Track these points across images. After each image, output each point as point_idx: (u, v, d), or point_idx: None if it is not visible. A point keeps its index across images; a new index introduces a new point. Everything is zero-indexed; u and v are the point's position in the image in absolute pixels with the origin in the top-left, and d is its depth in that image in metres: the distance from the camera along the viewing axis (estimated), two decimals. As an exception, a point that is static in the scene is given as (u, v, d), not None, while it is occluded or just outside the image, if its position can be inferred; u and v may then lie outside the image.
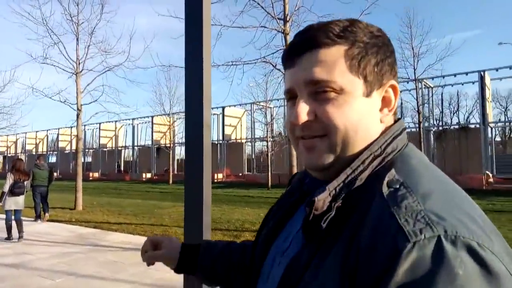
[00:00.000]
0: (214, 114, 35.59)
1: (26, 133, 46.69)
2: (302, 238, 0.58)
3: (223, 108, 32.32)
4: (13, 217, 7.55)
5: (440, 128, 28.11)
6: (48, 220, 9.81)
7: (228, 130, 33.39)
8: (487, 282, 0.42)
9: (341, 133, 0.57)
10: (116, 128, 41.78)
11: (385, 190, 0.52)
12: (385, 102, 0.61)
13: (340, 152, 0.58)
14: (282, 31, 8.10)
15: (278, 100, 26.66)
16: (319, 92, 0.58)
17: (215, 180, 29.69)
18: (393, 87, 0.62)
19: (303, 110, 0.58)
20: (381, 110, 0.61)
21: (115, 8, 13.77)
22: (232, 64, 8.41)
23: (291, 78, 0.61)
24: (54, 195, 17.68)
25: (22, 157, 52.06)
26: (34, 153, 50.36)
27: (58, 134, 46.71)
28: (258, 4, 8.29)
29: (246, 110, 33.72)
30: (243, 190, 20.39)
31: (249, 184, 25.56)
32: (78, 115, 13.08)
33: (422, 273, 0.42)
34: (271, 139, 24.86)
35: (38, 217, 9.78)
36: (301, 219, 0.59)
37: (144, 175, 35.38)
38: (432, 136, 26.75)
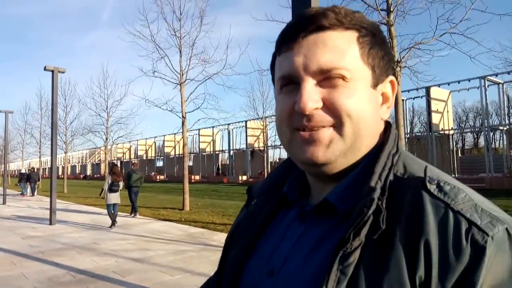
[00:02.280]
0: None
1: (137, 140, 52.54)
2: (318, 249, 0.52)
3: (315, 109, 31.92)
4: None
5: None
6: (162, 219, 10.76)
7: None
8: None
9: (353, 122, 0.52)
10: (213, 133, 44.40)
11: (430, 186, 0.49)
12: (384, 98, 0.58)
13: (350, 144, 0.53)
14: (386, 22, 7.54)
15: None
16: (327, 79, 0.53)
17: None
18: (392, 83, 0.59)
19: (312, 97, 0.52)
20: (381, 105, 0.58)
21: (212, 20, 14.53)
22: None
23: (291, 61, 0.54)
24: (164, 196, 19.46)
25: (135, 161, 58.79)
26: (144, 158, 56.45)
27: (164, 141, 51.55)
28: (357, -4, 7.86)
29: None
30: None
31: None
32: (183, 122, 14.12)
33: (508, 266, 0.43)
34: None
35: (135, 211, 11.72)
36: (289, 238, 0.57)
37: (240, 177, 36.85)
38: None
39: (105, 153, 21.44)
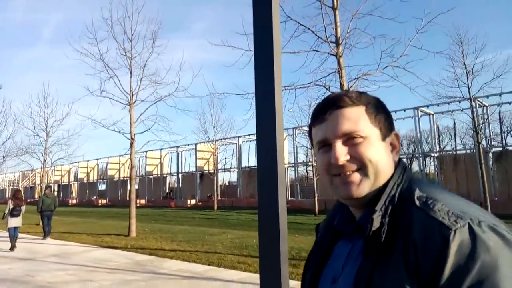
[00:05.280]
0: (251, 140, 35.75)
1: (78, 162, 49.35)
2: (358, 257, 0.74)
3: (265, 133, 32.42)
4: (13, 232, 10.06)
5: (500, 148, 26.07)
6: (106, 246, 10.08)
7: (270, 156, 33.27)
8: (507, 246, 0.62)
9: (373, 165, 0.76)
10: (161, 156, 43.18)
11: (417, 203, 0.70)
12: (393, 146, 0.83)
13: (374, 181, 0.76)
14: (335, 54, 7.99)
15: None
16: (349, 139, 0.77)
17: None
18: (396, 136, 0.84)
19: (342, 152, 0.76)
20: (391, 152, 0.82)
21: (165, 42, 14.42)
22: (284, 89, 8.37)
23: (324, 130, 0.80)
24: (107, 222, 18.32)
25: (75, 185, 55.12)
26: (85, 181, 53.04)
27: (107, 163, 49.02)
28: (309, 29, 8.28)
29: (288, 135, 33.68)
30: (289, 217, 19.90)
31: (294, 210, 25.02)
32: (131, 144, 13.57)
33: (467, 249, 0.61)
34: (316, 164, 24.33)
35: (45, 235, 12.08)
36: (343, 254, 0.80)
37: (188, 201, 35.90)
38: (491, 157, 24.96)
39: (42, 176, 19.81)
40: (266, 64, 3.01)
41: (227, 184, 41.02)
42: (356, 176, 0.76)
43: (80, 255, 8.94)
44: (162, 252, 8.94)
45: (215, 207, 27.58)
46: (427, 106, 26.01)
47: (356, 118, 0.78)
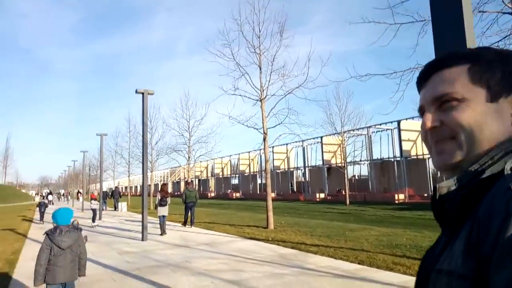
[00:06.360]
0: (388, 129, 33.20)
1: (214, 159, 54.24)
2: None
3: (399, 122, 29.71)
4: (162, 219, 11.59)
5: None
6: (248, 238, 10.41)
7: (406, 146, 30.37)
8: None
9: (467, 132, 0.62)
10: (287, 150, 44.01)
11: (507, 172, 0.55)
12: None
13: (468, 150, 0.63)
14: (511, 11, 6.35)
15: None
16: (443, 103, 0.66)
17: (396, 201, 27.11)
18: None
19: (430, 118, 0.67)
20: None
21: (292, 34, 14.22)
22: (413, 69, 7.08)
23: (421, 97, 0.71)
24: (244, 214, 19.31)
25: (212, 179, 60.96)
26: (220, 176, 58.03)
27: (238, 159, 52.55)
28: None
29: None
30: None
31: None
32: (264, 138, 13.84)
33: None
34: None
35: (185, 223, 13.82)
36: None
37: (317, 195, 35.61)
38: None
39: (188, 171, 22.19)
40: (451, 26, 2.19)
41: (356, 177, 39.27)
42: (447, 146, 0.65)
43: (227, 245, 9.36)
44: (304, 247, 8.67)
45: (347, 201, 26.51)
46: None
47: (452, 79, 0.66)
